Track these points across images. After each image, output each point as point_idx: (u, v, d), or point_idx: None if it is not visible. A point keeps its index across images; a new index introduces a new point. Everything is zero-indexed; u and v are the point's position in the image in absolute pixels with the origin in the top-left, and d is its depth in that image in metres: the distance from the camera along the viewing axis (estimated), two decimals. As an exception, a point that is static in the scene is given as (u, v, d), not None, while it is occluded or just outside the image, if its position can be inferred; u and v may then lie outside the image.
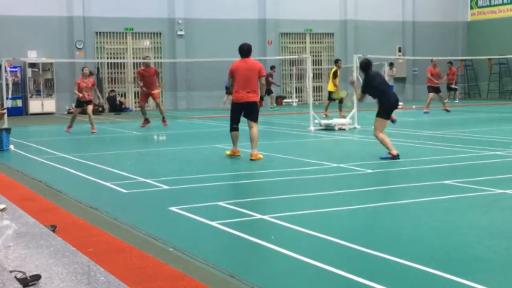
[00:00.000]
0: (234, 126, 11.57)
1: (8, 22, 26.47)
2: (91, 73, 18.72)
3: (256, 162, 11.23)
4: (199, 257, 5.35)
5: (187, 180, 9.37)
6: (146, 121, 18.85)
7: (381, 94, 11.39)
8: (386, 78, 28.00)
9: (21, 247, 4.56)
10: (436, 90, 23.39)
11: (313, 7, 31.44)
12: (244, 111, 11.57)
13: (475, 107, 27.05)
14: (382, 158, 11.05)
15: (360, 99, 11.91)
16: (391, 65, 30.30)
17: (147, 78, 18.64)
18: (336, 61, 22.71)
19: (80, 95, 17.52)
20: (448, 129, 16.41)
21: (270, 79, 27.56)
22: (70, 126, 17.93)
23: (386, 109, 11.39)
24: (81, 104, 17.80)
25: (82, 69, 18.20)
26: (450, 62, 30.68)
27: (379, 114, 11.38)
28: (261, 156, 11.41)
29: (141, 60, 29.08)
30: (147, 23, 28.70)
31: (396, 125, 13.90)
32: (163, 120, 19.02)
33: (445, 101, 25.24)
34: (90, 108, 17.79)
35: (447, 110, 23.13)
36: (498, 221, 6.56)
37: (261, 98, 11.73)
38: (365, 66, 11.51)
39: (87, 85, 17.64)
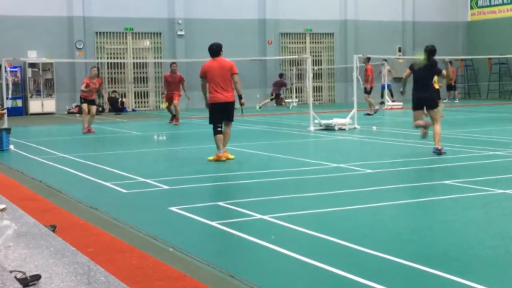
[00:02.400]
0: (218, 130, 11.31)
1: (8, 22, 26.47)
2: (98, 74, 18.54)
3: (256, 161, 11.23)
4: (199, 257, 5.35)
5: (187, 180, 9.37)
6: (174, 116, 20.25)
7: (414, 84, 11.74)
8: (386, 77, 28.04)
9: (21, 247, 4.55)
10: (364, 90, 22.50)
11: (313, 7, 31.44)
12: (222, 111, 11.37)
13: (475, 107, 27.05)
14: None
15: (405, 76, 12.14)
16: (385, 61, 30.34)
17: (172, 83, 19.96)
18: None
19: (85, 89, 17.56)
20: (448, 129, 16.41)
21: (283, 88, 28.70)
22: (88, 128, 17.74)
23: (412, 101, 11.76)
24: (85, 102, 17.71)
25: (91, 69, 18.18)
26: (450, 62, 30.63)
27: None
28: (231, 156, 11.39)
29: (141, 60, 29.29)
30: (147, 23, 28.70)
31: (397, 125, 13.92)
32: (176, 119, 20.11)
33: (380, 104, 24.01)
34: (94, 108, 17.81)
35: (368, 114, 21.85)
36: (498, 221, 6.57)
37: (240, 97, 11.53)
38: (435, 51, 11.74)
39: (94, 85, 17.59)
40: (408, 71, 11.97)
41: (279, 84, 28.50)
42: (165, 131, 17.97)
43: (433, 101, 11.76)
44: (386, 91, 27.51)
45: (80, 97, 18.01)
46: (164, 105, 21.02)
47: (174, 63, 20.90)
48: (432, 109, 11.66)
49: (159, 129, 18.60)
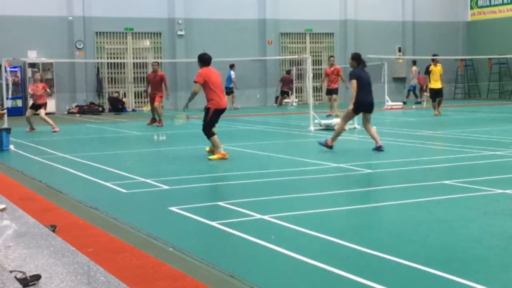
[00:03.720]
0: (213, 131, 11.65)
1: (8, 22, 26.46)
2: (41, 80, 19.04)
3: (256, 161, 11.24)
4: (199, 257, 5.35)
5: (187, 180, 9.37)
6: (154, 120, 19.84)
7: (360, 89, 12.01)
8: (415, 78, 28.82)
9: (21, 247, 4.55)
10: (330, 92, 22.27)
11: (313, 7, 31.44)
12: (220, 115, 11.93)
13: (475, 107, 27.05)
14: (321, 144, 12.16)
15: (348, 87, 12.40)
16: (414, 63, 30.45)
17: (152, 83, 19.84)
18: (433, 59, 21.98)
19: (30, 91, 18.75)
20: (448, 129, 16.42)
21: (291, 84, 28.78)
22: (31, 128, 18.43)
23: (358, 106, 12.13)
24: (34, 107, 18.45)
25: (34, 74, 19.16)
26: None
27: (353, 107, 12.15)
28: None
29: (141, 60, 29.28)
30: (147, 23, 28.70)
31: (397, 125, 13.90)
32: (159, 121, 19.47)
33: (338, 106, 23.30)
34: (42, 112, 18.34)
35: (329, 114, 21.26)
36: (498, 221, 6.56)
37: None
38: (359, 57, 12.42)
39: (37, 88, 18.18)
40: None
41: (288, 81, 28.83)
42: (165, 131, 17.96)
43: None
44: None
45: (32, 102, 18.80)
46: (146, 108, 21.12)
47: (156, 62, 20.93)
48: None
49: (159, 129, 18.58)
